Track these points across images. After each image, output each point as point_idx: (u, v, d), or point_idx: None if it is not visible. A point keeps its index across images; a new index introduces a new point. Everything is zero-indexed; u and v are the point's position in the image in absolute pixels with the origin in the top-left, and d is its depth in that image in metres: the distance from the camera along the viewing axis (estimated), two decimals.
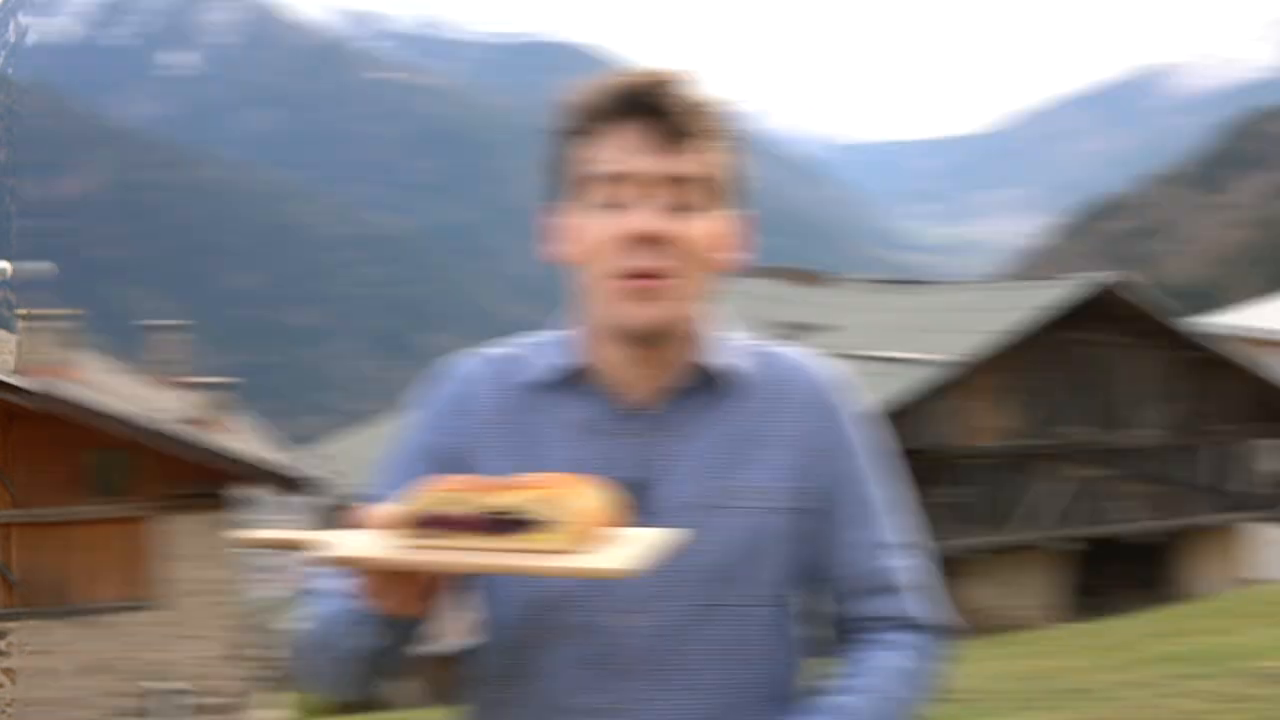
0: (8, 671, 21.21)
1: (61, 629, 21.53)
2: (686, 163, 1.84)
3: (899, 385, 22.77)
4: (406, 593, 1.68)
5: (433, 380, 2.06)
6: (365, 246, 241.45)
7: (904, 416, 22.66)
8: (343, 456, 30.53)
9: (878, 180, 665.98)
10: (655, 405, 1.94)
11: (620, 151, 1.84)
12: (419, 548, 1.63)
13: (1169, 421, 24.75)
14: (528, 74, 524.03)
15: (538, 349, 2.03)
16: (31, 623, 21.39)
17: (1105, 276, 24.13)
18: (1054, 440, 23.87)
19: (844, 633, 2.01)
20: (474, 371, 2.04)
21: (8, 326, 24.26)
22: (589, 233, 1.87)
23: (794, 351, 2.06)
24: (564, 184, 1.92)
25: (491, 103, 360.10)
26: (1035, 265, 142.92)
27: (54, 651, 21.51)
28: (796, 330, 28.88)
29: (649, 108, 1.84)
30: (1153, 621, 16.26)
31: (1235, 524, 25.96)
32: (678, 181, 1.85)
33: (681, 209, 1.85)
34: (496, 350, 2.06)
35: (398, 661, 1.87)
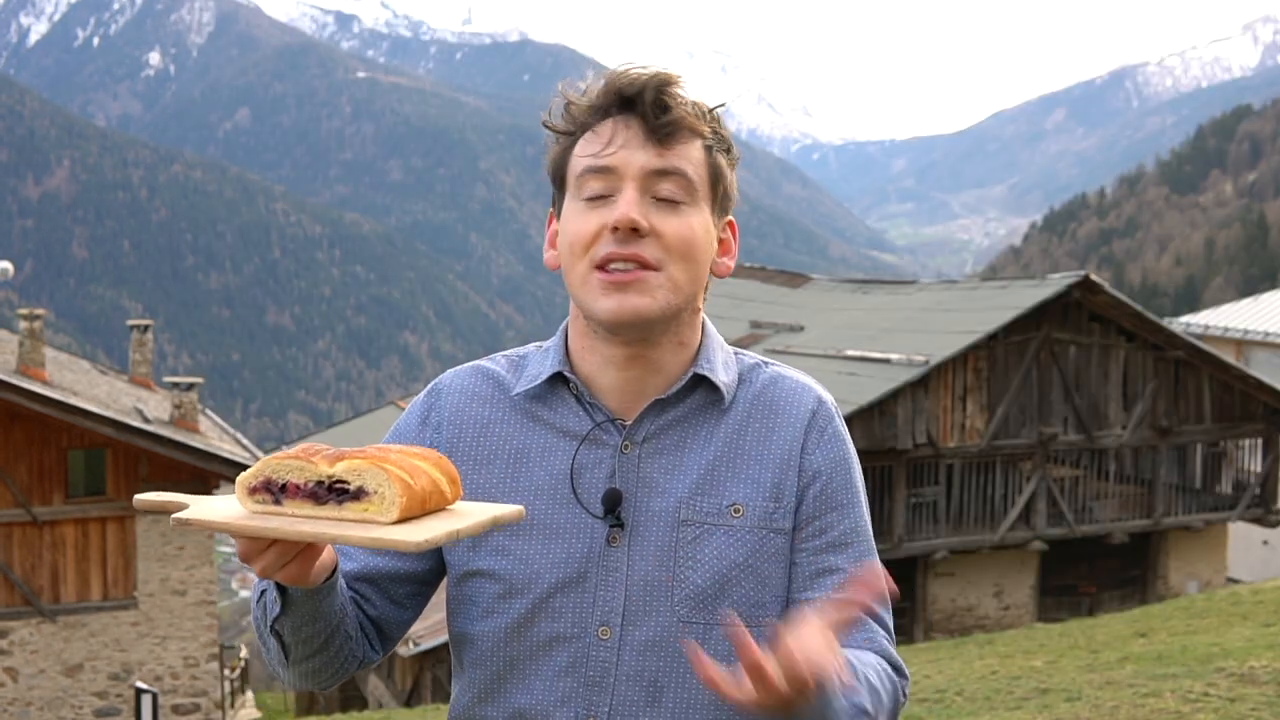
0: (8, 670, 21.19)
1: (44, 627, 21.50)
2: (670, 158, 1.86)
3: (874, 385, 22.80)
4: (268, 558, 1.67)
5: (421, 396, 2.07)
6: (341, 246, 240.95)
7: (880, 416, 22.70)
8: None
9: (854, 180, 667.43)
10: (640, 416, 1.94)
11: (605, 145, 1.86)
12: (254, 513, 1.64)
13: (1146, 421, 24.83)
14: (504, 74, 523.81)
15: (526, 360, 2.04)
16: (18, 621, 21.38)
17: (1082, 276, 24.16)
18: (1030, 440, 23.92)
19: None
20: (459, 385, 2.04)
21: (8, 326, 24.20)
22: (572, 225, 1.89)
23: (781, 370, 2.05)
24: (559, 178, 1.95)
25: (468, 103, 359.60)
26: (1011, 265, 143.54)
27: (38, 650, 21.49)
28: (774, 330, 28.91)
29: (634, 104, 1.86)
30: (1130, 621, 16.30)
31: (1213, 523, 26.05)
32: (661, 175, 1.86)
33: (665, 203, 1.86)
34: (485, 363, 2.07)
35: (303, 636, 1.84)
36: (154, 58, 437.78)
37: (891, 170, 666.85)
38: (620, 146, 1.86)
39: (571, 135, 1.92)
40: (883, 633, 1.97)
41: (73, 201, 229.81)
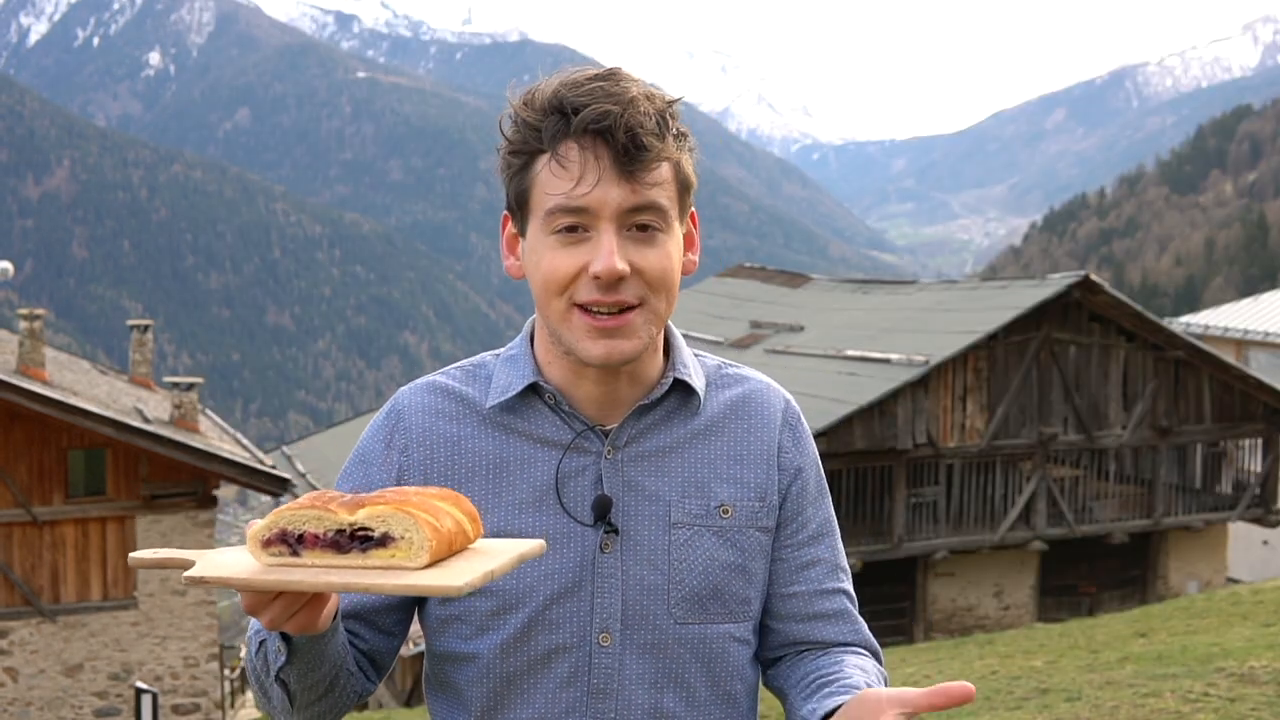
0: (8, 670, 21.19)
1: (44, 627, 21.51)
2: (645, 191, 1.80)
3: (874, 385, 22.80)
4: (275, 609, 1.64)
5: (380, 418, 2.01)
6: (341, 246, 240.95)
7: (880, 416, 22.70)
8: (319, 456, 30.45)
9: (854, 180, 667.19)
10: (619, 421, 1.93)
11: (576, 183, 1.78)
12: (271, 565, 1.60)
13: (1146, 421, 24.82)
14: (504, 74, 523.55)
15: (485, 370, 2.01)
16: (18, 621, 21.39)
17: (1082, 276, 24.15)
18: (1030, 440, 23.91)
19: (797, 649, 2.02)
20: (421, 404, 1.99)
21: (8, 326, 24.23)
22: (547, 263, 1.83)
23: (750, 374, 2.06)
24: (521, 199, 1.87)
25: (468, 103, 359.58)
26: (1011, 265, 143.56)
27: (38, 650, 21.50)
28: (774, 330, 28.90)
29: (607, 130, 1.78)
30: (1130, 621, 16.29)
31: (1213, 523, 26.05)
32: (637, 210, 1.81)
33: (642, 232, 1.82)
34: (439, 379, 2.02)
35: (309, 683, 1.83)
36: (154, 58, 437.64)
37: (891, 170, 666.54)
38: (594, 185, 1.78)
39: (537, 153, 1.82)
40: (856, 613, 2.06)
41: (73, 201, 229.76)
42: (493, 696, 1.92)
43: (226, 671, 25.94)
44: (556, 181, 1.80)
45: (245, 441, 25.41)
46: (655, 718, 1.90)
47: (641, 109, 1.80)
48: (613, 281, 1.79)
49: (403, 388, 2.04)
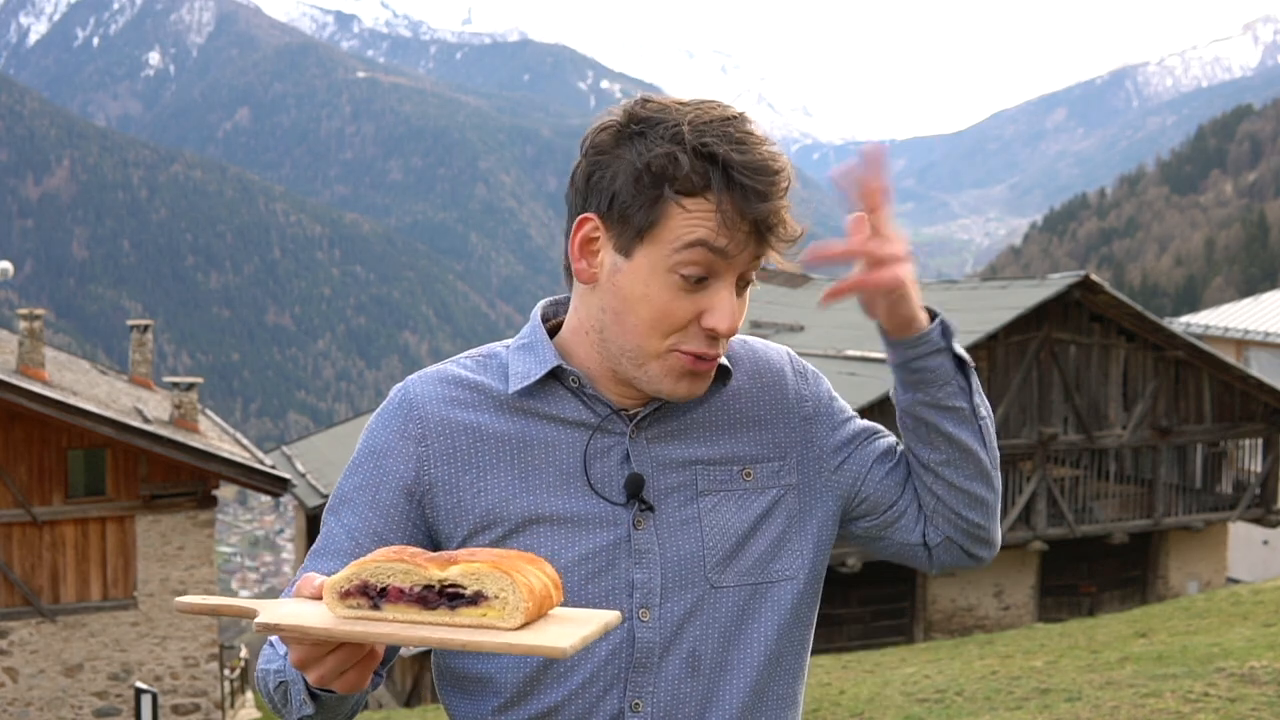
0: (9, 670, 21.20)
1: (44, 627, 21.52)
2: (771, 250, 1.84)
3: (874, 385, 22.79)
4: (328, 664, 1.61)
5: (391, 408, 1.98)
6: (341, 246, 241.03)
7: (880, 416, 22.69)
8: (319, 456, 30.45)
9: None
10: (641, 400, 1.94)
11: (729, 239, 1.80)
12: (354, 618, 1.56)
13: (1146, 421, 24.82)
14: (504, 74, 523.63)
15: (499, 359, 2.00)
16: (18, 621, 21.40)
17: (1082, 276, 24.15)
18: (1030, 440, 23.91)
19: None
20: (434, 393, 1.97)
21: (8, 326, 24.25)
22: (664, 303, 1.83)
23: (748, 339, 2.08)
24: (647, 223, 1.83)
25: (468, 103, 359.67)
26: (1011, 265, 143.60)
27: (38, 650, 21.51)
28: (774, 329, 28.90)
29: (774, 194, 1.81)
30: (1130, 621, 16.30)
31: (1213, 523, 26.05)
32: (756, 263, 1.85)
33: (745, 285, 1.87)
34: (450, 367, 2.01)
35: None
36: (154, 58, 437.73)
37: (894, 169, 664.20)
38: (740, 247, 1.81)
39: (672, 191, 1.80)
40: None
41: (73, 201, 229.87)
42: (527, 681, 1.91)
43: (226, 671, 25.95)
44: (704, 227, 1.80)
45: (245, 441, 25.42)
46: (691, 685, 1.91)
47: (790, 188, 1.85)
48: (732, 335, 1.85)
49: (410, 377, 2.02)
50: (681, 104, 1.85)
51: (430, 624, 1.54)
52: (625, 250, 1.84)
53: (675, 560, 1.90)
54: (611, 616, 1.63)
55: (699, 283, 1.81)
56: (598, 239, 1.87)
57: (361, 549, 1.86)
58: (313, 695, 1.75)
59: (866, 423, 2.08)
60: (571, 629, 1.55)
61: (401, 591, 1.55)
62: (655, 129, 1.82)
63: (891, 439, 2.09)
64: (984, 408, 1.98)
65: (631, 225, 1.83)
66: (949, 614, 24.66)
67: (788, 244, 1.85)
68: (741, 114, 1.85)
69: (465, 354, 2.04)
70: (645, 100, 1.87)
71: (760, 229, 1.80)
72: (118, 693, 21.52)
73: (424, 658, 22.17)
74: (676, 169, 1.79)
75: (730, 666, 1.93)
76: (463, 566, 1.55)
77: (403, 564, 1.56)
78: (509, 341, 2.03)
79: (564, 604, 1.73)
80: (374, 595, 1.55)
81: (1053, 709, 8.93)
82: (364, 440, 1.98)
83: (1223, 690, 8.74)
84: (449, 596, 1.55)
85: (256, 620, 1.56)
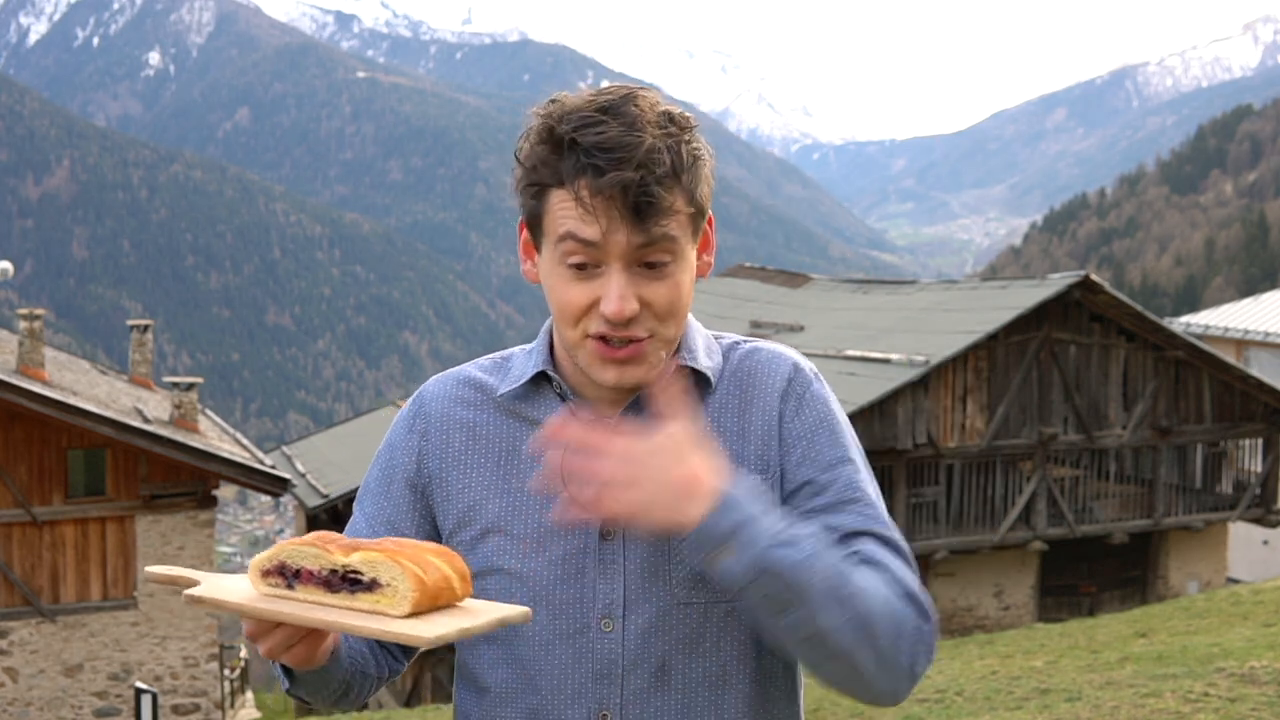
0: (9, 670, 21.19)
1: (44, 627, 21.52)
2: (656, 229, 1.80)
3: (874, 385, 22.79)
4: (273, 639, 1.71)
5: (406, 405, 2.07)
6: (341, 246, 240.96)
7: (880, 416, 22.69)
8: (319, 456, 30.44)
9: (854, 180, 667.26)
10: (624, 410, 1.94)
11: (592, 225, 1.78)
12: (266, 595, 1.68)
13: (1146, 421, 24.82)
14: (504, 74, 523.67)
15: (511, 361, 2.05)
16: (18, 621, 21.39)
17: (1082, 276, 24.15)
18: (1030, 440, 23.91)
19: None
20: (443, 392, 2.05)
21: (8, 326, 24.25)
22: (558, 292, 1.85)
23: (758, 343, 2.06)
24: (534, 220, 1.88)
25: (468, 103, 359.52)
26: (1011, 265, 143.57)
27: (38, 650, 21.50)
28: (774, 330, 28.90)
29: (625, 168, 1.76)
30: (1131, 621, 16.29)
31: (1213, 523, 26.05)
32: (647, 247, 1.81)
33: (651, 269, 1.83)
34: (468, 368, 2.07)
35: (320, 696, 1.93)
36: (154, 58, 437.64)
37: (891, 170, 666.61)
38: (603, 230, 1.78)
39: (552, 183, 1.81)
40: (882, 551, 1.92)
41: (73, 201, 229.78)
42: (509, 682, 1.94)
43: (226, 671, 25.94)
44: (569, 218, 1.80)
45: (245, 441, 25.41)
46: (660, 699, 1.89)
47: (656, 160, 1.78)
48: (622, 321, 1.81)
49: (433, 376, 2.10)
50: (576, 97, 1.85)
51: (329, 606, 1.65)
52: (538, 246, 1.90)
53: (638, 574, 1.89)
54: (513, 612, 1.70)
55: (590, 269, 1.81)
56: (531, 241, 1.93)
57: (378, 536, 1.95)
58: (286, 670, 1.84)
59: (845, 492, 1.94)
60: (460, 620, 1.63)
61: (312, 574, 1.66)
62: (533, 129, 1.85)
63: (853, 530, 1.90)
64: (826, 614, 1.70)
65: (532, 225, 1.89)
66: (949, 614, 24.66)
67: (673, 218, 1.80)
68: (630, 94, 1.84)
69: (488, 355, 2.10)
70: (551, 100, 1.88)
71: (628, 209, 1.77)
72: (118, 693, 21.52)
73: (423, 657, 22.16)
74: (541, 165, 1.82)
75: (709, 684, 1.90)
76: (363, 554, 1.65)
77: (314, 549, 1.66)
78: (530, 345, 2.07)
79: (534, 608, 1.83)
80: (289, 576, 1.67)
81: (1053, 709, 8.92)
82: (386, 435, 2.08)
83: (1223, 690, 8.74)
84: (351, 582, 1.65)
85: (186, 592, 1.69)
